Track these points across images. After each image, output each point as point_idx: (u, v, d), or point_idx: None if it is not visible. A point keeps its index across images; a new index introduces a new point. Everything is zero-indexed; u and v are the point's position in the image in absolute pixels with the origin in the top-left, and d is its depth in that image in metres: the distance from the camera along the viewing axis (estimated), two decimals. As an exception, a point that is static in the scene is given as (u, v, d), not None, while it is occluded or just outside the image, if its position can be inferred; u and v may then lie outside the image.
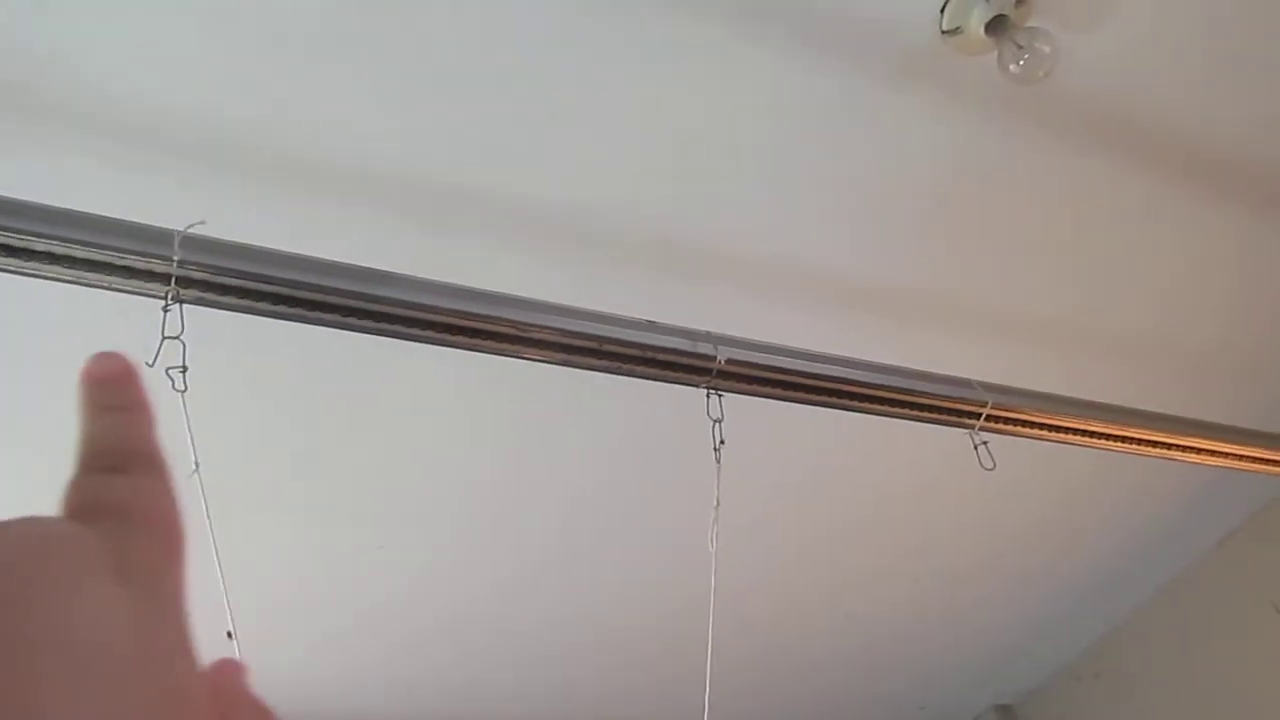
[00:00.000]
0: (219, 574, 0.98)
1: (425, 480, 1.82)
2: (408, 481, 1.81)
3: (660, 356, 1.06)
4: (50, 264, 0.96)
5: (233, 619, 0.89)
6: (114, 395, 0.34)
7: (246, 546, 1.72)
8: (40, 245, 0.96)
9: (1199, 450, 1.53)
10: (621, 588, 2.20)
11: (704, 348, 1.08)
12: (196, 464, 0.87)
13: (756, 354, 1.11)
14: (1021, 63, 1.33)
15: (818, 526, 2.19)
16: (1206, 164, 1.64)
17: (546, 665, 2.39)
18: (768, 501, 2.04)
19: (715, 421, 1.05)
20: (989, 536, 2.36)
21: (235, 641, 0.89)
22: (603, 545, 2.08)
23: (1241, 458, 1.64)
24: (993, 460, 1.19)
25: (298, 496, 1.79)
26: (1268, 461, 1.70)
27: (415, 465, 1.79)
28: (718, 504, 1.07)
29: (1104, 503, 2.34)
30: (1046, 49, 1.32)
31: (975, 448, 1.24)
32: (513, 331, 1.03)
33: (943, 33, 1.36)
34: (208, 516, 0.98)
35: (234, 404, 1.59)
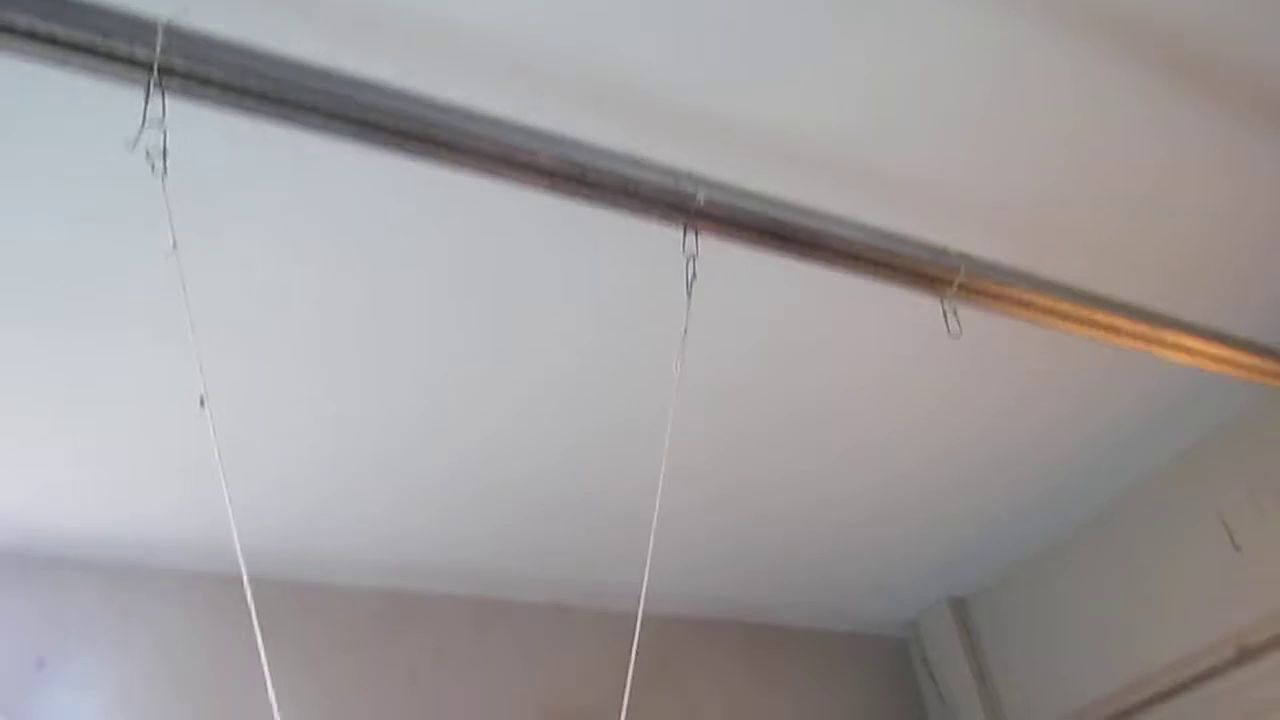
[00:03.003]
0: (199, 370, 1.01)
1: (407, 335, 1.83)
2: (391, 336, 1.82)
3: (641, 190, 1.07)
4: (31, 41, 0.96)
5: (206, 391, 0.92)
6: None
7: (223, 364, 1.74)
8: (23, 22, 0.95)
9: (1166, 344, 1.55)
10: (589, 446, 2.24)
11: (686, 186, 1.08)
12: (175, 244, 0.88)
13: (736, 198, 1.12)
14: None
15: (787, 403, 2.22)
16: (1199, 62, 1.61)
17: (527, 522, 2.45)
18: (737, 369, 2.05)
19: (690, 258, 1.07)
20: (955, 429, 2.40)
21: (208, 411, 0.92)
22: (577, 400, 2.11)
23: (1213, 358, 1.66)
24: (959, 326, 1.21)
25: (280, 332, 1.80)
26: (1239, 365, 1.73)
27: (401, 318, 1.80)
28: (685, 332, 1.09)
29: (1067, 402, 2.38)
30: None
31: (945, 316, 1.26)
32: (497, 151, 1.03)
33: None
34: (190, 322, 1.00)
35: (219, 230, 1.58)
